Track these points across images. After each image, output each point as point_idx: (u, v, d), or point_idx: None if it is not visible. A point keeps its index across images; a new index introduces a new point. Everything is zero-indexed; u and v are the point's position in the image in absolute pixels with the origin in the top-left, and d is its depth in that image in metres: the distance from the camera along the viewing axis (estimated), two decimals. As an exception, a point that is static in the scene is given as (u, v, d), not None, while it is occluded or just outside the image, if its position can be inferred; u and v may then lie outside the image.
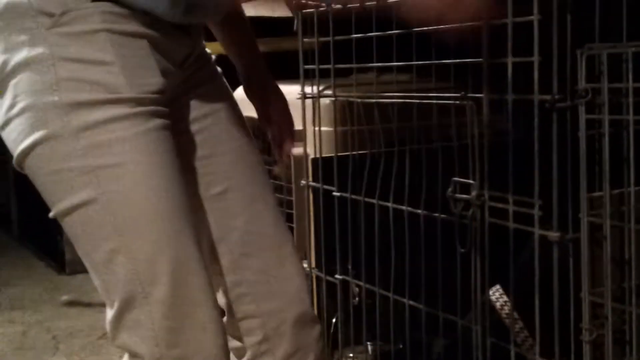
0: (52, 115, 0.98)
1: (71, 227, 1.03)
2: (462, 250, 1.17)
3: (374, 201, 1.45)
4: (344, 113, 1.58)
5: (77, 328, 1.60)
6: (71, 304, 1.60)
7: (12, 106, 1.00)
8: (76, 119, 0.98)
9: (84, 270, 1.05)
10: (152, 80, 1.02)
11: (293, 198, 1.82)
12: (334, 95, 1.53)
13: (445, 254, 1.29)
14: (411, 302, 1.37)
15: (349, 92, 1.53)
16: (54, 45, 0.98)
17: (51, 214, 1.04)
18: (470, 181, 1.15)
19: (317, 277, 1.65)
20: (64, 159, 0.99)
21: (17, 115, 1.00)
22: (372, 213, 1.48)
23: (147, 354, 1.00)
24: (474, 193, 1.14)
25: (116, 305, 1.01)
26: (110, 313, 1.03)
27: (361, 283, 1.52)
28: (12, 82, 1.00)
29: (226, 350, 1.04)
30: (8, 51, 1.00)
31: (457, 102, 1.17)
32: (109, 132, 0.98)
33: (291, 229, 1.83)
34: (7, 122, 1.02)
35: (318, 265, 1.65)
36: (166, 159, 1.02)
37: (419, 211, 1.33)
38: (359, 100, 1.46)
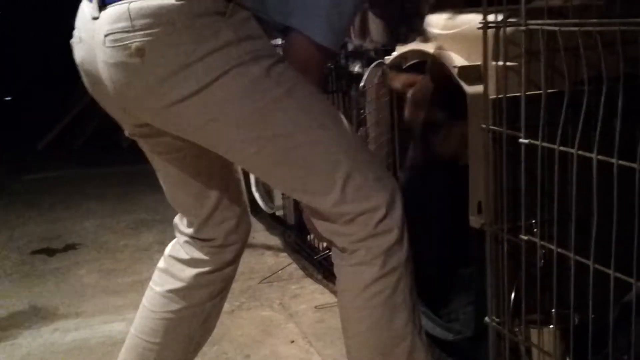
0: None
1: None
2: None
3: (572, 151, 1.21)
4: (532, 44, 1.33)
5: (237, 271, 1.55)
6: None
7: None
8: None
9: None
10: None
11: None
12: (525, 24, 1.28)
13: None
14: (617, 274, 1.14)
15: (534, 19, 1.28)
16: None
17: None
18: None
19: (496, 235, 1.44)
20: None
21: None
22: (566, 164, 1.26)
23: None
24: None
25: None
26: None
27: (551, 246, 1.30)
28: None
29: None
30: None
31: None
32: None
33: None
34: None
35: (497, 222, 1.44)
36: None
37: (635, 165, 1.08)
38: (559, 28, 1.20)
